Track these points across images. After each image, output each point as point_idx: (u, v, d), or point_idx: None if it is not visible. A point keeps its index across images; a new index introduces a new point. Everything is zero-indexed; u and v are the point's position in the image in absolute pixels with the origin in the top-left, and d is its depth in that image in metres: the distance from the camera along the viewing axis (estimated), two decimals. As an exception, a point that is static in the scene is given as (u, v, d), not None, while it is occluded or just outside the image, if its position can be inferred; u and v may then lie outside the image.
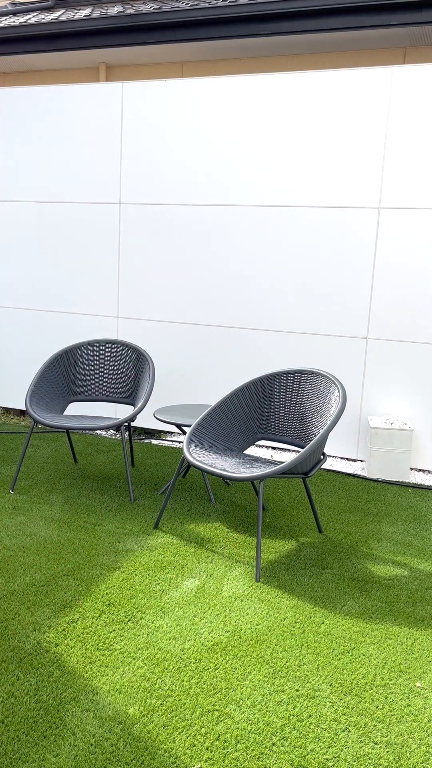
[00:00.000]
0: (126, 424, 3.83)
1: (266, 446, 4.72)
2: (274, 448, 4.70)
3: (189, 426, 3.43)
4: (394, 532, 3.35)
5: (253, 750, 1.84)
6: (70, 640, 2.32)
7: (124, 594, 2.64)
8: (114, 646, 2.30)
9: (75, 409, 5.16)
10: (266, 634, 2.39)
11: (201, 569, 2.86)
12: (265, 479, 3.10)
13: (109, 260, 4.86)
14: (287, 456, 4.54)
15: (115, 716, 1.95)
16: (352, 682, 2.14)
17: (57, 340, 5.12)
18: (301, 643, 2.35)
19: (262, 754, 1.83)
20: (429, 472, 4.31)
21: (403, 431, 4.07)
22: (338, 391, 3.13)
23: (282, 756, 1.82)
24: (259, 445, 4.73)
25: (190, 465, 3.02)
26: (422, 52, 5.49)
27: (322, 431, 2.94)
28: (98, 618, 2.46)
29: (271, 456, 4.54)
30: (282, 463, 2.93)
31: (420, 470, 4.33)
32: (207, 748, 1.84)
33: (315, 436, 3.22)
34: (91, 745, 1.84)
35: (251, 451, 4.65)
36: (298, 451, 4.46)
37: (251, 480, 2.81)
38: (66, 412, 5.21)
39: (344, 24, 4.99)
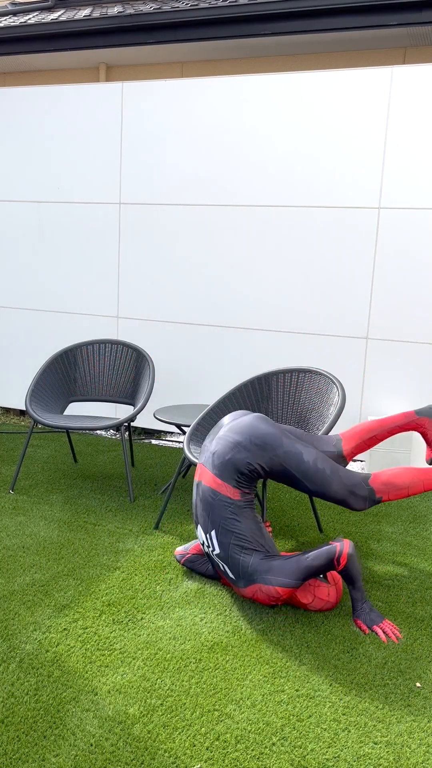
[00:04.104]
0: (126, 424, 3.83)
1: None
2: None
3: (189, 426, 3.43)
4: (394, 532, 3.35)
5: (253, 750, 1.84)
6: (70, 640, 2.32)
7: (124, 594, 2.64)
8: (114, 646, 2.30)
9: (75, 409, 5.16)
10: (266, 634, 2.39)
11: (201, 569, 2.86)
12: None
13: (109, 260, 4.86)
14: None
15: (115, 716, 1.95)
16: (352, 682, 2.14)
17: (57, 340, 5.12)
18: (301, 643, 2.35)
19: (262, 754, 1.83)
20: (429, 472, 4.31)
21: (403, 431, 4.07)
22: (337, 390, 3.13)
23: (282, 756, 1.82)
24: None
25: (191, 464, 3.02)
26: (422, 52, 5.49)
27: (322, 430, 2.94)
28: (98, 618, 2.46)
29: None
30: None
31: (420, 470, 4.33)
32: (207, 748, 1.84)
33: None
34: (91, 745, 1.84)
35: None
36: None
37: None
38: (66, 412, 5.21)
39: (344, 24, 4.99)
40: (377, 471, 2.58)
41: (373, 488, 2.57)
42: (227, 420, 2.70)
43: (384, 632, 2.39)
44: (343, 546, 2.40)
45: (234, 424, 2.63)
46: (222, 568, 2.55)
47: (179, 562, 2.83)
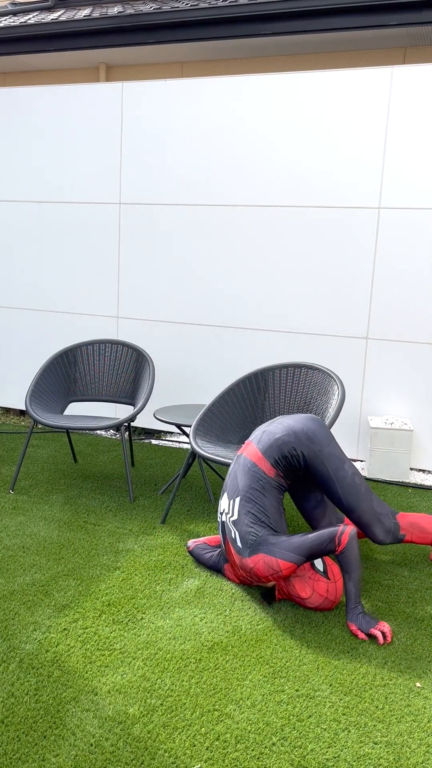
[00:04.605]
0: (126, 424, 3.83)
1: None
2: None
3: (189, 426, 3.44)
4: (394, 532, 3.35)
5: (253, 750, 1.84)
6: (70, 640, 2.32)
7: (124, 594, 2.64)
8: (114, 646, 2.30)
9: (75, 409, 5.16)
10: (266, 634, 2.39)
11: (201, 569, 2.86)
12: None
13: (109, 260, 4.86)
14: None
15: (115, 716, 1.95)
16: (352, 682, 2.14)
17: (57, 340, 5.12)
18: (301, 643, 2.35)
19: (262, 754, 1.83)
20: (429, 472, 4.31)
21: (403, 431, 4.07)
22: (336, 384, 3.13)
23: (282, 756, 1.82)
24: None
25: (196, 457, 3.07)
26: (422, 52, 5.49)
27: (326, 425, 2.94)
28: (98, 618, 2.46)
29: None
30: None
31: (420, 470, 4.33)
32: (207, 748, 1.84)
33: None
34: (91, 745, 1.84)
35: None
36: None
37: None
38: (66, 412, 5.21)
39: (344, 24, 4.99)
40: (404, 512, 2.69)
41: (399, 524, 2.66)
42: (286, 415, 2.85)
43: (383, 634, 2.38)
44: (345, 527, 2.43)
45: (293, 415, 2.77)
46: (233, 536, 2.62)
47: (188, 549, 2.95)
